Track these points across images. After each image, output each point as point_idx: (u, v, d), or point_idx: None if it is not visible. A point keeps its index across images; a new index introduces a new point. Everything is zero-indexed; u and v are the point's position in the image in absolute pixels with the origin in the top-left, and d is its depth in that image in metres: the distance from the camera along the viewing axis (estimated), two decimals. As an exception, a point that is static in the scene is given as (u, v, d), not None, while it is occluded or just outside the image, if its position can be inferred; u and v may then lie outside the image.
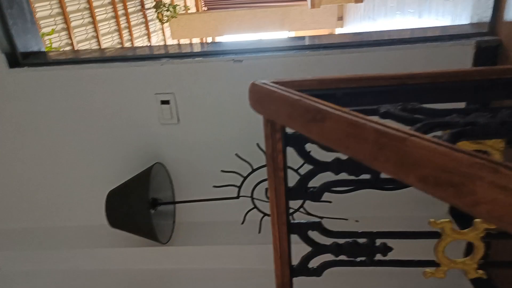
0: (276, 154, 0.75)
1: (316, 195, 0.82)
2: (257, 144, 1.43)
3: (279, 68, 1.51)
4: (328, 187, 0.82)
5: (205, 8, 8.80)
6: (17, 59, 1.63)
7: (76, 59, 1.64)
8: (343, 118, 0.54)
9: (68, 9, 5.30)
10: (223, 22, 7.50)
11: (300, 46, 1.54)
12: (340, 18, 7.18)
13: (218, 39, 8.46)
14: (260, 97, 0.69)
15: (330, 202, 1.08)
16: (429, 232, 0.85)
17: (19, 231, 1.82)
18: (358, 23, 6.11)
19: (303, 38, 1.68)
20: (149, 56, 1.61)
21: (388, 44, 1.47)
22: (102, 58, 1.63)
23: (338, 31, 7.78)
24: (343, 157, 0.73)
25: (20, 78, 1.62)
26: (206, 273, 1.61)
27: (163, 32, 7.60)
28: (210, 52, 1.61)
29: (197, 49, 1.68)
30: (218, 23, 7.51)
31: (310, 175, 0.80)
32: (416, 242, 0.86)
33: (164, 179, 1.69)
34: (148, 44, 7.18)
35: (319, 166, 0.79)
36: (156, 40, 7.43)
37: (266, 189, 0.98)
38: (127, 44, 6.51)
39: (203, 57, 1.57)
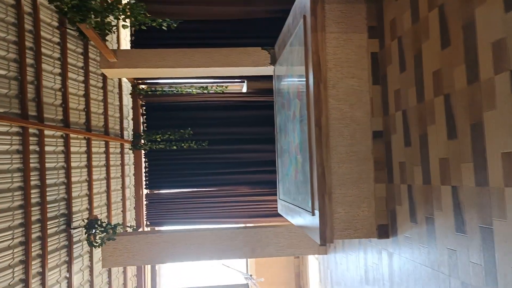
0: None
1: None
2: None
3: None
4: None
5: (148, 223, 7.19)
6: None
7: None
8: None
9: None
10: (176, 244, 5.83)
11: None
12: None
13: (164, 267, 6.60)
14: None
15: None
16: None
17: None
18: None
19: None
20: None
21: None
22: None
23: (316, 261, 6.42)
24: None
25: None
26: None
27: (91, 257, 5.61)
28: None
29: None
30: (169, 245, 5.81)
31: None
32: None
33: None
34: (67, 275, 5.07)
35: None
36: (79, 267, 5.36)
37: None
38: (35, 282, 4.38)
39: None
